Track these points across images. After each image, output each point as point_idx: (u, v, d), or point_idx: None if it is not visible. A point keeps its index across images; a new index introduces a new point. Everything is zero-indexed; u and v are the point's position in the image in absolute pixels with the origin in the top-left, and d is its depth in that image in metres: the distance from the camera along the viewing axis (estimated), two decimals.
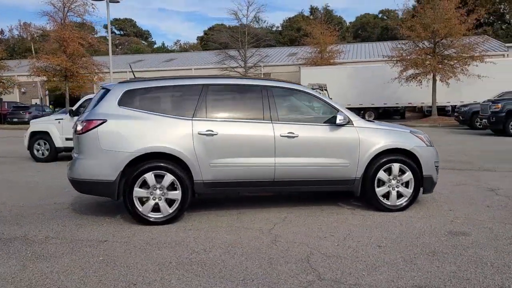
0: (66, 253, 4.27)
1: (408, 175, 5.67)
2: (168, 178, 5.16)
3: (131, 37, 77.63)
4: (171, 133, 5.24)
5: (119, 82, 5.53)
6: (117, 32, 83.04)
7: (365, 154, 5.56)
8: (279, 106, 5.59)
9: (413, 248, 4.24)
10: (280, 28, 63.27)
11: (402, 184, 5.68)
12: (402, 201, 5.69)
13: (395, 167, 5.64)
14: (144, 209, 5.17)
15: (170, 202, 5.22)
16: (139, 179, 5.12)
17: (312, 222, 5.23)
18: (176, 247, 4.41)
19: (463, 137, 16.87)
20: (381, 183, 5.65)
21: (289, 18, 65.78)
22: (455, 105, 25.93)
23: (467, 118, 19.74)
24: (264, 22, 30.25)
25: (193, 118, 5.32)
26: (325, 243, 4.44)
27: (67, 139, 10.90)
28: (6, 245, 4.55)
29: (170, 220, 5.22)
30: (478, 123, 18.43)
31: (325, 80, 23.94)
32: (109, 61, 25.76)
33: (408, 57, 24.32)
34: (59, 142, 11.11)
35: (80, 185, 5.28)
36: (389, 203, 5.66)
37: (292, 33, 59.46)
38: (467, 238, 4.54)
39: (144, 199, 5.18)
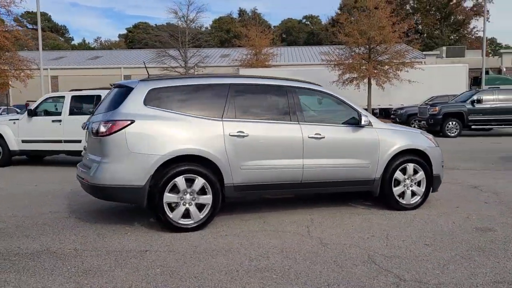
0: (115, 266, 3.89)
1: (421, 175, 5.92)
2: (199, 182, 4.92)
3: (46, 32, 72.57)
4: (202, 135, 5.00)
5: (141, 80, 5.16)
6: (29, 26, 77.28)
7: (384, 155, 5.71)
8: (304, 107, 5.57)
9: (459, 245, 4.42)
10: (209, 29, 62.88)
11: (415, 183, 5.92)
12: (416, 200, 5.92)
13: (410, 167, 5.86)
14: (174, 215, 4.87)
15: (200, 207, 4.98)
16: (169, 184, 4.82)
17: (341, 223, 5.26)
18: (228, 254, 4.21)
19: None
20: (396, 182, 5.84)
21: (218, 19, 65.63)
22: (385, 108, 27.61)
23: (403, 120, 21.04)
24: (194, 22, 29.66)
25: (223, 119, 5.12)
26: (374, 244, 4.49)
27: (24, 141, 9.94)
28: (35, 260, 4.05)
29: (200, 226, 4.97)
30: (414, 125, 19.72)
31: None
32: (33, 57, 23.94)
33: (346, 61, 25.38)
34: (14, 145, 10.08)
35: (104, 191, 4.84)
36: (404, 202, 5.87)
37: (222, 34, 59.42)
38: (496, 233, 4.83)
39: (174, 205, 4.89)
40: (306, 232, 4.92)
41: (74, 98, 9.98)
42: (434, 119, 17.60)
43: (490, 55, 43.29)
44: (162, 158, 4.79)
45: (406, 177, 5.87)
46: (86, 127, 5.58)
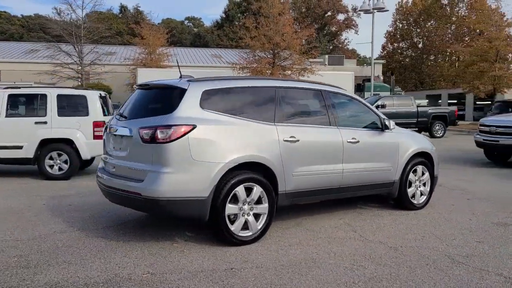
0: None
1: (427, 176, 6.35)
2: (258, 190, 4.63)
3: None
4: (261, 140, 4.72)
5: (189, 81, 4.65)
6: None
7: (402, 158, 6.01)
8: (339, 112, 5.58)
9: (500, 240, 4.87)
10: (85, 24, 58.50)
11: (422, 184, 6.34)
12: (423, 200, 6.33)
13: (419, 168, 6.25)
14: (235, 228, 4.51)
15: (255, 218, 4.69)
16: (231, 194, 4.45)
17: (379, 226, 5.37)
18: (318, 265, 4.03)
19: None
20: (409, 184, 6.17)
21: (97, 13, 61.44)
22: None
23: None
24: (68, 15, 27.32)
25: (276, 123, 4.89)
26: (436, 244, 4.67)
27: None
28: None
29: (257, 238, 4.67)
30: None
31: None
32: None
33: (251, 66, 25.88)
34: None
35: (164, 205, 4.25)
36: (415, 202, 6.23)
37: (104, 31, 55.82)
38: None
39: (232, 217, 4.53)
40: (360, 236, 4.94)
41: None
42: None
43: (365, 64, 47.87)
44: (227, 166, 4.40)
45: (416, 178, 6.24)
46: (109, 130, 4.91)
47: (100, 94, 9.05)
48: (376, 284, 3.63)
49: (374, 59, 49.49)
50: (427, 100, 34.96)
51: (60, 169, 8.53)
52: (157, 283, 3.59)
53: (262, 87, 5.05)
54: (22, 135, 8.30)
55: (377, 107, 19.23)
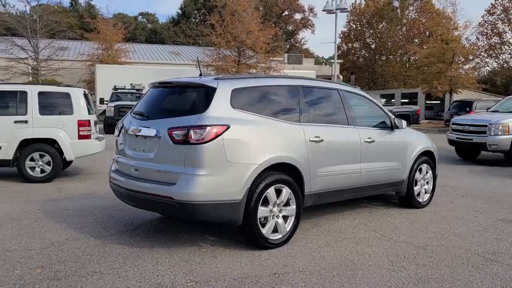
0: None
1: (430, 174, 6.48)
2: (287, 192, 4.52)
3: None
4: (289, 140, 4.61)
5: (217, 79, 4.45)
6: None
7: (410, 157, 6.09)
8: (354, 111, 5.56)
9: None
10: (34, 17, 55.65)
11: (426, 182, 6.46)
12: (427, 197, 6.46)
13: (424, 167, 6.37)
14: (267, 231, 4.38)
15: (284, 220, 4.57)
16: (262, 196, 4.31)
17: (394, 225, 5.40)
18: (359, 269, 3.97)
19: None
20: (415, 182, 6.27)
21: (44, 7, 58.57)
22: None
23: None
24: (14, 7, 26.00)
25: (301, 123, 4.79)
26: (455, 243, 4.75)
27: None
28: None
29: (286, 240, 4.57)
30: None
31: (124, 80, 22.66)
32: None
33: (216, 63, 25.59)
34: None
35: (198, 209, 4.03)
36: (421, 200, 6.34)
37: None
38: None
39: (263, 219, 4.39)
40: (382, 236, 4.93)
41: None
42: None
43: (323, 64, 48.67)
44: (260, 167, 4.26)
45: (421, 176, 6.35)
46: (124, 130, 4.64)
47: (84, 91, 8.57)
48: (426, 286, 3.62)
49: (331, 59, 50.32)
50: (384, 100, 36.01)
51: (42, 171, 7.99)
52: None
53: (288, 86, 4.94)
54: (0, 135, 7.71)
55: None
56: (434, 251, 4.47)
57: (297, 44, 61.62)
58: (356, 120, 5.49)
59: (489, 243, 4.76)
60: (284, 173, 4.51)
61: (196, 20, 65.61)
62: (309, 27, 59.68)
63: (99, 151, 8.74)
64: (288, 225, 4.58)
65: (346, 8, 25.99)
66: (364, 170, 5.43)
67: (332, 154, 5.03)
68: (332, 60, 47.20)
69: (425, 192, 6.43)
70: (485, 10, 43.55)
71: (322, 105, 5.28)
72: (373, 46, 58.19)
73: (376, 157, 5.61)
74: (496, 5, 42.47)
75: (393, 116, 6.02)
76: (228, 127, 4.10)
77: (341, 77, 37.53)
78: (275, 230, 4.47)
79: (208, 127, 4.03)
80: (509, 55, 43.37)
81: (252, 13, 25.17)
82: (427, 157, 6.42)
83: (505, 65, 43.37)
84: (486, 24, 42.88)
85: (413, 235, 5.00)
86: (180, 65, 33.42)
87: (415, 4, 54.96)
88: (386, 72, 53.86)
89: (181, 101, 4.48)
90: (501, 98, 25.04)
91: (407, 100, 42.50)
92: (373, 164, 5.56)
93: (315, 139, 4.82)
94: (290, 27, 60.95)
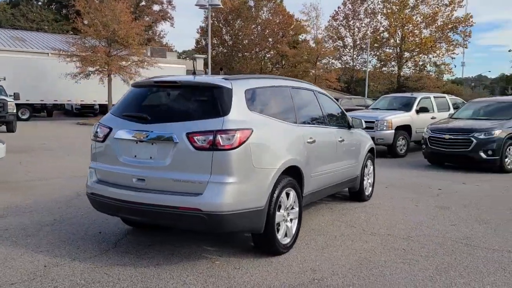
0: None
1: (372, 169, 7.01)
2: (293, 195, 4.46)
3: None
4: (293, 143, 4.54)
5: (228, 79, 4.11)
6: None
7: (363, 153, 6.50)
8: (327, 111, 5.69)
9: (466, 221, 5.77)
10: None
11: (370, 176, 6.97)
12: (370, 191, 6.97)
13: (369, 163, 6.86)
14: (280, 236, 4.26)
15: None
16: (278, 201, 4.18)
17: (361, 219, 5.73)
18: (381, 266, 4.12)
19: None
20: (363, 178, 6.72)
21: None
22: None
23: None
24: None
25: (298, 124, 4.74)
26: (429, 232, 5.24)
27: None
28: None
29: (293, 244, 4.50)
30: None
31: None
32: None
33: (83, 54, 23.46)
34: None
35: (228, 220, 3.69)
36: (367, 194, 6.82)
37: None
38: (450, 210, 6.46)
39: (277, 225, 4.25)
40: (363, 231, 5.18)
41: None
42: None
43: (187, 58, 48.32)
44: (278, 171, 4.10)
45: (367, 171, 6.83)
46: (114, 134, 4.03)
47: None
48: (448, 275, 3.91)
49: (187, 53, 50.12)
50: None
51: None
52: None
53: (285, 87, 4.84)
54: None
55: None
56: (420, 241, 4.85)
57: (156, 37, 59.94)
58: (330, 120, 5.64)
59: (453, 229, 5.34)
60: (291, 176, 4.43)
61: (39, 3, 59.23)
62: (168, 19, 58.63)
63: None
64: (293, 228, 4.52)
65: (219, 4, 26.19)
66: (338, 168, 5.63)
67: (321, 154, 5.10)
68: (197, 55, 47.43)
69: (369, 186, 6.93)
70: (330, 16, 48.12)
71: (308, 106, 5.29)
72: (230, 43, 59.80)
73: (345, 155, 5.86)
74: (339, 11, 47.41)
75: (348, 115, 6.34)
76: (252, 131, 3.86)
77: (209, 71, 37.64)
78: (285, 234, 4.37)
79: (237, 132, 3.73)
80: (349, 57, 49.03)
81: (123, 1, 23.65)
82: (371, 153, 6.92)
83: (347, 65, 48.90)
84: (332, 29, 47.70)
85: (389, 228, 5.36)
86: (27, 53, 29.72)
87: (268, 5, 57.91)
88: (245, 69, 55.86)
89: (193, 103, 4.04)
90: (358, 97, 28.19)
91: None
92: (342, 162, 5.79)
93: (309, 140, 4.83)
94: (148, 18, 58.98)
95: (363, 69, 48.16)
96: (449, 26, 42.14)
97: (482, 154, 9.78)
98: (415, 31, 42.81)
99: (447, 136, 10.24)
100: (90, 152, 4.44)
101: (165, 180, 3.80)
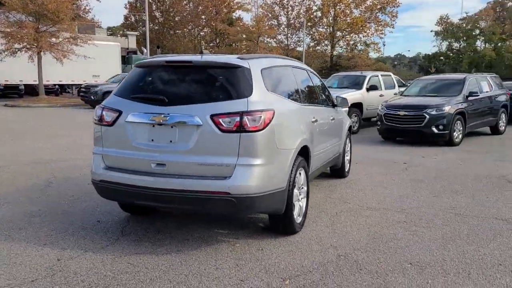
0: None
1: (350, 146, 7.21)
2: (303, 174, 4.48)
3: None
4: (303, 122, 4.53)
5: (242, 58, 3.96)
6: None
7: (345, 131, 6.65)
8: (319, 91, 5.72)
9: (446, 192, 6.13)
10: None
11: (349, 153, 7.16)
12: (348, 167, 7.16)
13: (348, 140, 7.04)
14: (296, 216, 4.28)
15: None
16: (295, 181, 4.18)
17: (351, 195, 5.91)
18: (397, 239, 4.30)
19: None
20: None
21: None
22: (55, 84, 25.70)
23: (99, 98, 20.38)
24: None
25: (303, 104, 4.73)
26: (416, 204, 5.52)
27: None
28: None
29: (303, 222, 4.54)
30: None
31: None
32: None
33: (8, 29, 21.54)
34: None
35: (254, 203, 3.65)
36: (346, 169, 7.02)
37: None
38: (426, 182, 6.84)
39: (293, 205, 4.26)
40: (359, 207, 5.35)
41: None
42: None
43: (119, 35, 46.13)
44: (295, 151, 4.10)
45: (348, 149, 7.01)
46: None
47: None
48: (456, 243, 4.15)
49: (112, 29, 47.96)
50: None
51: None
52: (317, 285, 3.20)
53: (289, 66, 4.80)
54: None
55: None
56: (414, 213, 5.09)
57: (81, 12, 56.35)
58: (323, 100, 5.70)
59: (438, 201, 5.66)
60: (301, 155, 4.43)
61: None
62: None
63: None
64: (303, 207, 4.55)
65: None
66: (330, 147, 5.72)
67: (320, 133, 5.15)
68: (129, 32, 45.42)
69: (347, 163, 7.13)
70: None
71: (306, 86, 5.28)
72: (161, 19, 57.83)
73: (334, 133, 5.97)
74: None
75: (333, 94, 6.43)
76: (274, 112, 3.79)
77: (145, 50, 36.29)
78: (298, 214, 4.39)
79: (263, 113, 3.64)
80: (284, 36, 49.52)
81: None
82: (348, 131, 7.10)
83: (281, 44, 49.33)
84: (266, 7, 47.73)
85: (379, 202, 5.56)
86: None
87: None
88: (178, 47, 54.36)
89: (212, 84, 3.85)
90: None
91: None
92: (332, 140, 5.89)
93: (313, 119, 4.85)
94: None
95: (297, 48, 49.07)
96: (378, 7, 43.89)
97: (434, 129, 10.39)
98: (346, 10, 44.12)
99: (402, 113, 10.75)
100: (93, 136, 4.14)
101: (188, 164, 3.64)
